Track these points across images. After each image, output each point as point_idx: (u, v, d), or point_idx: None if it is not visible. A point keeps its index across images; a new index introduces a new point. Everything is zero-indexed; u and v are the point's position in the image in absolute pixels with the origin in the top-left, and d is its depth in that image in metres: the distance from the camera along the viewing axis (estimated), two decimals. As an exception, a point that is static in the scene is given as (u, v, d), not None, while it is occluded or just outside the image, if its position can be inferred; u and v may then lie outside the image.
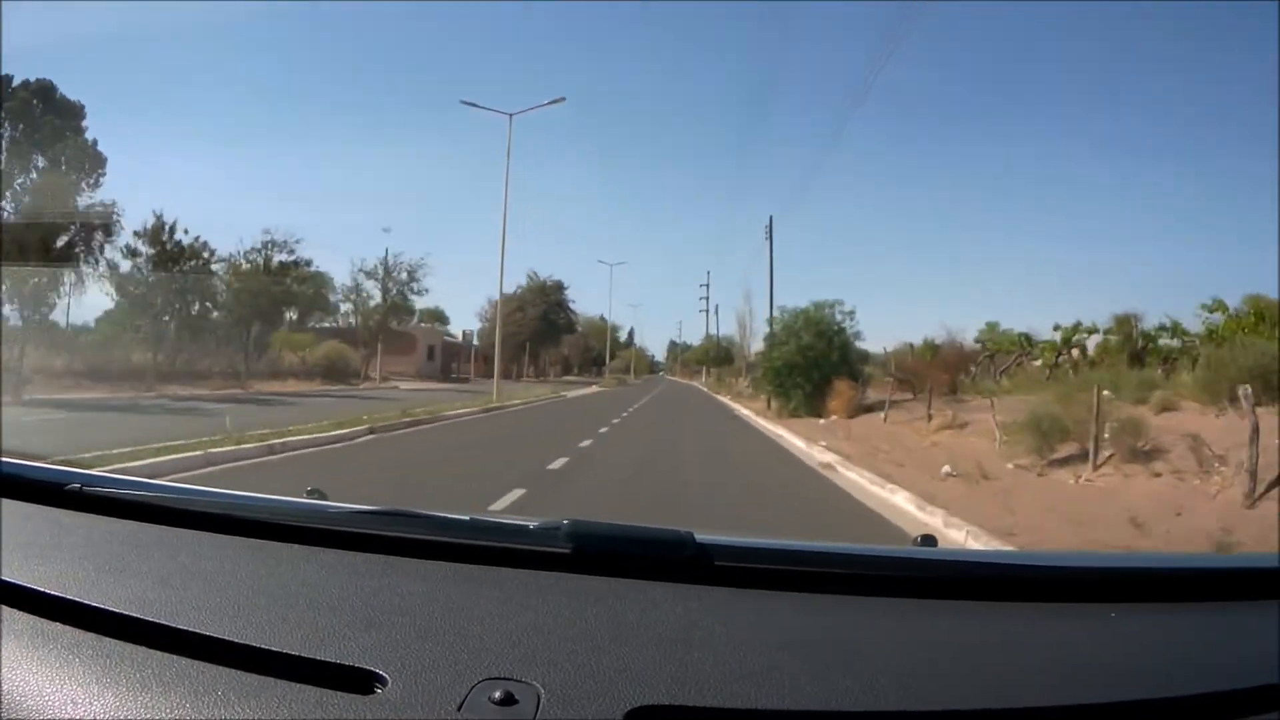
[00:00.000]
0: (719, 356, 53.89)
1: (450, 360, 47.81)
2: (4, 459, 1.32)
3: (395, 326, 36.11)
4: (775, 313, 22.81)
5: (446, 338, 49.70)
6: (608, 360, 58.09)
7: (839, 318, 20.51)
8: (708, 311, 53.94)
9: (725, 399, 31.97)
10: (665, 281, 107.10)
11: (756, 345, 37.98)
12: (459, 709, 0.69)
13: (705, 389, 47.17)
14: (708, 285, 53.25)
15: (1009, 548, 4.35)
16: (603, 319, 62.56)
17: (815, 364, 19.10)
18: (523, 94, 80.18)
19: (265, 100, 56.60)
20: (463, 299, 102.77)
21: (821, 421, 16.51)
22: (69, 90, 23.03)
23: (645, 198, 78.86)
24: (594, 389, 39.80)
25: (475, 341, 52.73)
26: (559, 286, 56.04)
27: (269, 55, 54.53)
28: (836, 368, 19.17)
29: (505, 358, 53.86)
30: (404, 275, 33.12)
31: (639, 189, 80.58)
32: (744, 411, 22.24)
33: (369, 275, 32.78)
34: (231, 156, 56.39)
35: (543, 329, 53.55)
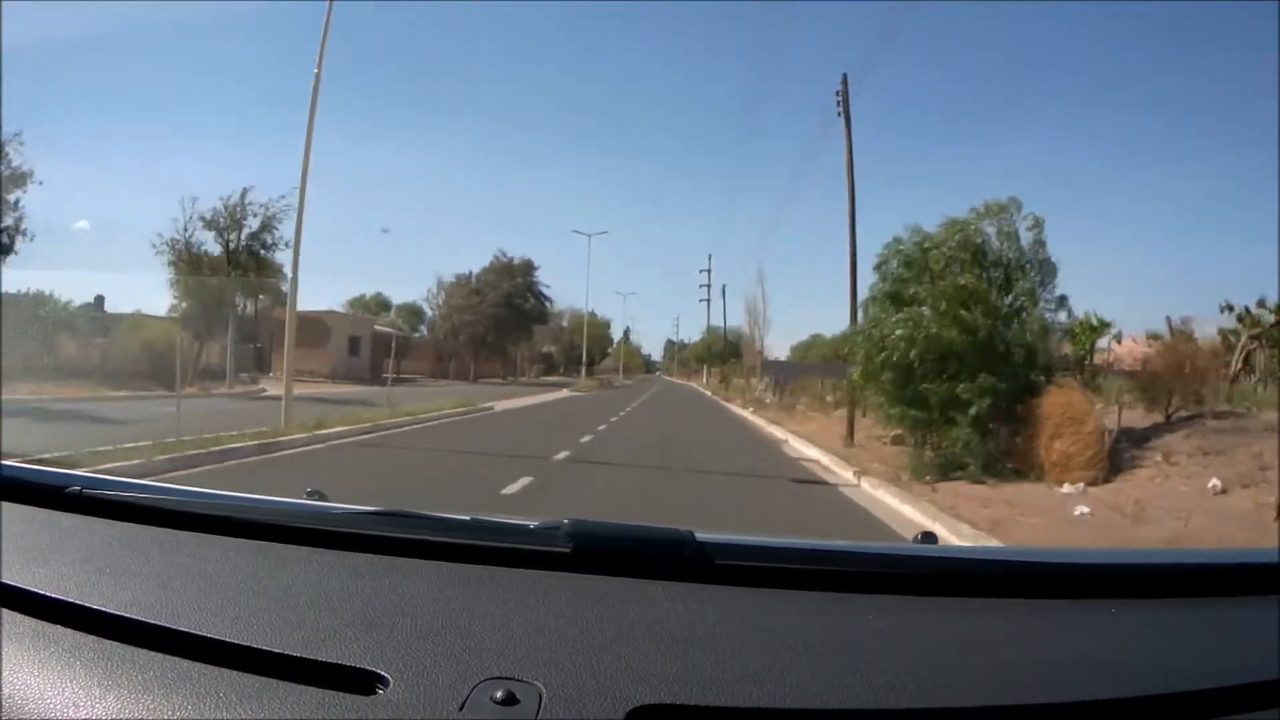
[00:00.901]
0: (724, 352, 44.23)
1: (384, 356, 37.22)
2: (3, 462, 1.32)
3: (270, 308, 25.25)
4: (888, 243, 9.97)
5: (380, 328, 39.03)
6: (584, 357, 47.14)
7: (1018, 231, 9.28)
8: (709, 300, 44.26)
9: (745, 412, 21.40)
10: (662, 279, 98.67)
11: (771, 338, 27.58)
12: (461, 709, 0.69)
13: (709, 393, 36.93)
14: (709, 271, 43.67)
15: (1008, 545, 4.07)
16: (593, 313, 52.23)
17: (990, 351, 8.39)
18: (513, 85, 70.11)
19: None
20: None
21: (1080, 510, 5.90)
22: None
23: (643, 190, 70.57)
24: (563, 394, 29.70)
25: (424, 332, 42.28)
26: (528, 267, 45.60)
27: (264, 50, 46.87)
28: (1032, 363, 8.62)
29: (462, 353, 44.44)
30: (255, 224, 22.41)
31: (635, 180, 72.11)
32: (810, 450, 11.22)
33: (209, 224, 22.10)
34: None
35: (507, 317, 43.00)
